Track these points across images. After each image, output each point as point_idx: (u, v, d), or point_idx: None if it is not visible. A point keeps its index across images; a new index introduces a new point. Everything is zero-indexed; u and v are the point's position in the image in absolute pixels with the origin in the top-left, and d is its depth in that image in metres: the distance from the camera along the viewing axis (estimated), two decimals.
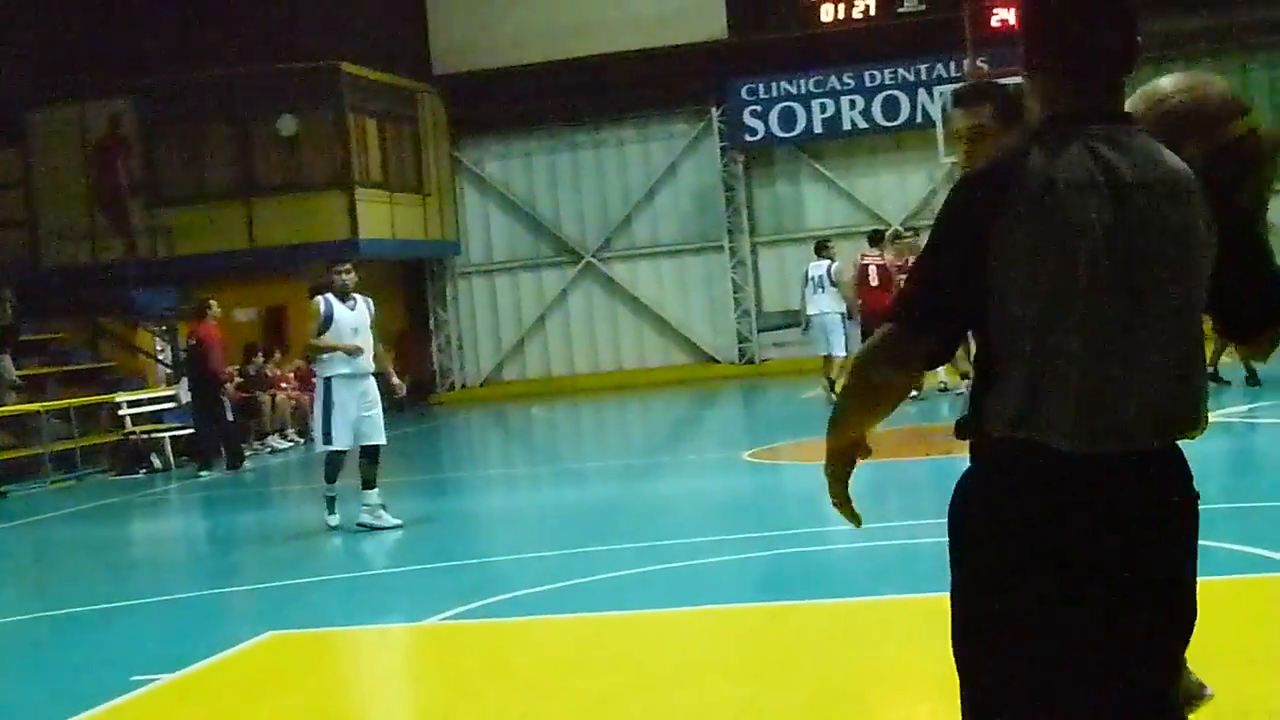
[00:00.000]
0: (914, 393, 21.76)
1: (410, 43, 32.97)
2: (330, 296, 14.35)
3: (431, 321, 34.50)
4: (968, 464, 3.55)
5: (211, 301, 23.04)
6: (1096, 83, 3.50)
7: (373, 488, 14.49)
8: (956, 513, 3.52)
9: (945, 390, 22.28)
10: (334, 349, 14.17)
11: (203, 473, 22.25)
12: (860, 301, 23.05)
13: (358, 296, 14.51)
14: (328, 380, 14.30)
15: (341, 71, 29.57)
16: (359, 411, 14.30)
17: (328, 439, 14.36)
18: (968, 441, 3.55)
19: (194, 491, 21.30)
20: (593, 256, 33.51)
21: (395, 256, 32.97)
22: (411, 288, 34.99)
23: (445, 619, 9.91)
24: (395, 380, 15.12)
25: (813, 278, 23.70)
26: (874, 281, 22.99)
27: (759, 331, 33.00)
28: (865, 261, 23.40)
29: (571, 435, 26.81)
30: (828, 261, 23.70)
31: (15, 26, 29.73)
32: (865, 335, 23.27)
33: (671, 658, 8.45)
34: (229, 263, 28.82)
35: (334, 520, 14.64)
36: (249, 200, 29.31)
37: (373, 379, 14.51)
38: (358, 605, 11.39)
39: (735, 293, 32.99)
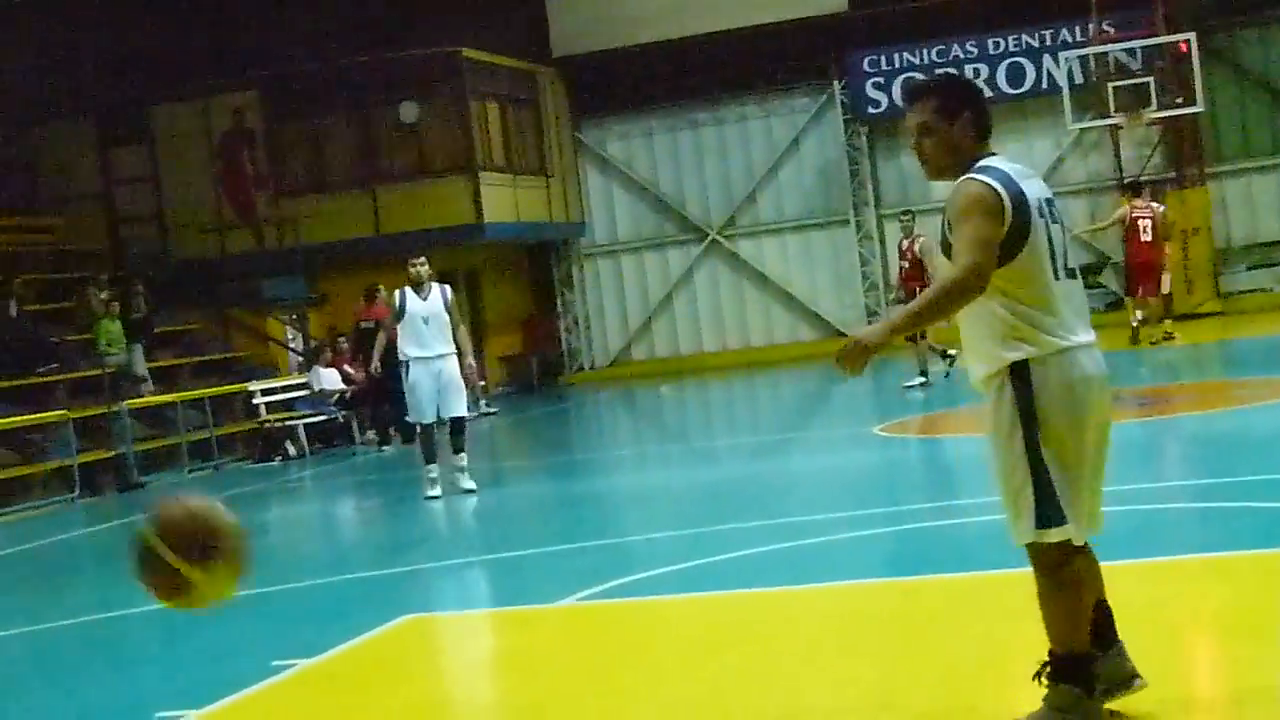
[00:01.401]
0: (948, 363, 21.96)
1: (529, 25, 33.01)
2: (407, 289, 16.01)
3: (559, 303, 34.56)
4: None
5: (380, 285, 23.45)
6: None
7: (461, 452, 16.03)
8: None
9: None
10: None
11: (384, 448, 23.18)
12: (1132, 254, 24.05)
13: (434, 285, 16.07)
14: (405, 363, 15.90)
15: (462, 56, 29.67)
16: (436, 387, 15.78)
17: (411, 413, 16.10)
18: None
19: (328, 478, 21.53)
20: (718, 234, 33.43)
21: (520, 239, 33.10)
22: (537, 270, 35.14)
23: (578, 600, 9.89)
24: (470, 361, 16.22)
25: None
26: (1146, 236, 23.10)
27: (887, 305, 32.77)
28: (1135, 215, 23.53)
29: (700, 413, 26.72)
30: None
31: (138, 26, 30.12)
32: (1131, 287, 24.21)
33: (802, 636, 8.37)
34: (355, 250, 29.05)
35: (433, 491, 15.93)
36: (373, 188, 29.50)
37: (450, 358, 15.88)
38: (492, 587, 11.49)
39: (862, 266, 32.80)
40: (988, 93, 30.97)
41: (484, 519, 15.19)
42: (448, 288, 16.23)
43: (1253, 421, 15.21)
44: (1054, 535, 5.65)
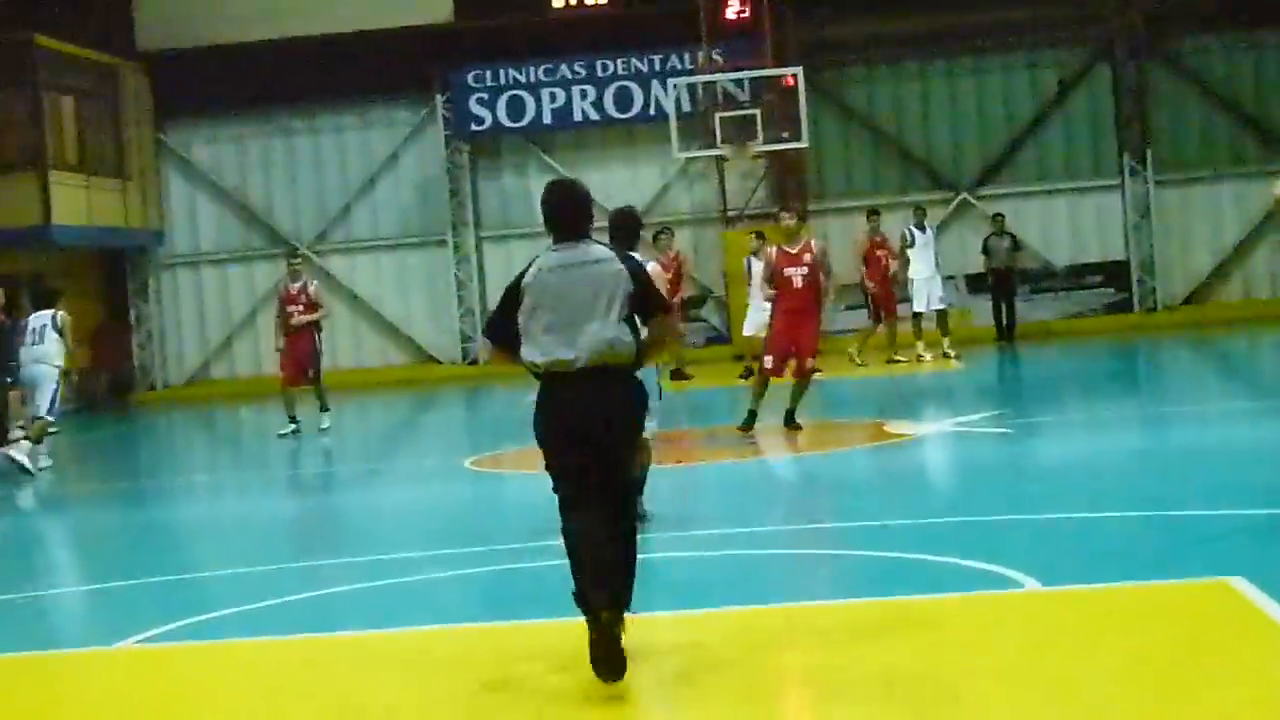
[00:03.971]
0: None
1: (112, 16, 31.67)
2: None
3: (132, 315, 33.14)
4: None
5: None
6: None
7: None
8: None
9: None
10: None
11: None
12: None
13: None
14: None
15: (35, 45, 28.64)
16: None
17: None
18: None
19: None
20: (308, 249, 32.04)
21: (92, 244, 32.01)
22: (110, 279, 33.82)
23: (141, 640, 9.36)
24: None
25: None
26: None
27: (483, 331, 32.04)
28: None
29: (281, 439, 25.39)
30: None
31: None
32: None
33: (386, 682, 8.00)
34: None
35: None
36: None
37: None
38: (46, 627, 10.78)
39: (459, 290, 32.10)
40: (595, 116, 30.94)
41: (38, 549, 14.47)
42: None
43: (846, 464, 15.65)
44: None
